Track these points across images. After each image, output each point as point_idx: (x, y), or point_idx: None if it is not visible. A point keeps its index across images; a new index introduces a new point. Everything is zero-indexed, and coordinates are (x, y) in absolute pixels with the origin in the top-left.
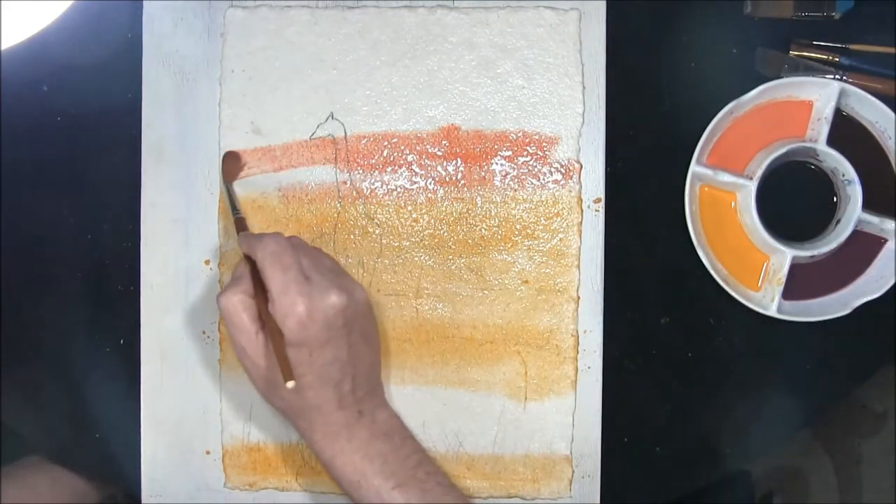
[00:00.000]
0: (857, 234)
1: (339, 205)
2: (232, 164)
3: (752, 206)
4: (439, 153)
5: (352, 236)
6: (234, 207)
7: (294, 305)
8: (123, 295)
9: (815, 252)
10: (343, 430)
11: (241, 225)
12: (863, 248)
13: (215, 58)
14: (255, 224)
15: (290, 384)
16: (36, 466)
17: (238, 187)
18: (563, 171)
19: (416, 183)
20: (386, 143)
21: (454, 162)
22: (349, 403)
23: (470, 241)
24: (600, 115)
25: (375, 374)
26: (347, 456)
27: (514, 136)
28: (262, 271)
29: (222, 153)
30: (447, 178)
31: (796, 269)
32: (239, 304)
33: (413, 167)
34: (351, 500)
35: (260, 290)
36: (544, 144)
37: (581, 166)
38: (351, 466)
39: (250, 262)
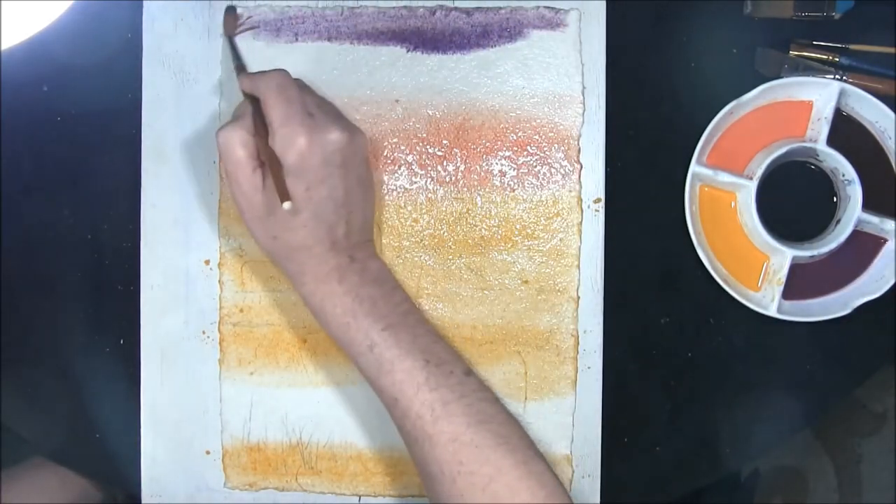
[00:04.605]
0: (857, 234)
1: None
2: (231, 19)
3: (752, 206)
4: (439, 153)
5: None
6: (236, 56)
7: (295, 136)
8: (123, 295)
9: (815, 252)
10: (334, 272)
11: (242, 70)
12: (863, 248)
13: (215, 58)
14: None
15: (287, 205)
16: (45, 467)
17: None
18: (563, 171)
19: (415, 183)
20: (386, 143)
21: (454, 162)
22: (342, 248)
23: (470, 241)
24: (600, 115)
25: (369, 224)
26: (338, 298)
27: (514, 136)
28: (264, 104)
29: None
30: (447, 178)
31: (796, 269)
32: (238, 139)
33: (413, 167)
34: (339, 344)
35: (261, 128)
36: (544, 144)
37: (581, 166)
38: (341, 308)
39: (253, 102)
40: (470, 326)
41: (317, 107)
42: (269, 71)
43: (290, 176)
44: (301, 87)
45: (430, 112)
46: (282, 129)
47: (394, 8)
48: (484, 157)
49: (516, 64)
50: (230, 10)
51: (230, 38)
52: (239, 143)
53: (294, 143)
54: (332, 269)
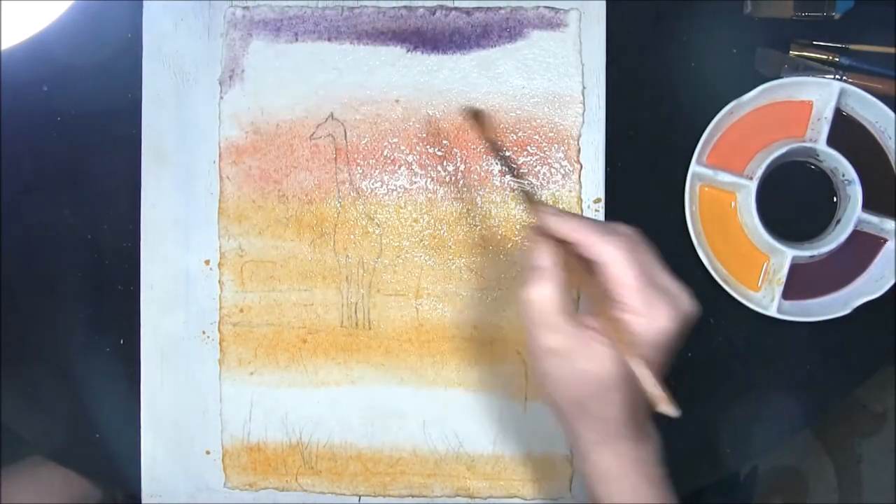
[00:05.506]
0: (857, 234)
1: (339, 205)
2: (483, 120)
3: (752, 206)
4: (439, 153)
5: (352, 236)
6: (512, 170)
7: (659, 320)
8: (123, 295)
9: (815, 252)
10: (632, 446)
11: (534, 199)
12: (863, 248)
13: (215, 58)
14: (255, 224)
15: (676, 413)
16: (45, 465)
17: (236, 187)
18: (563, 171)
19: (416, 183)
20: (386, 143)
21: (454, 162)
22: (641, 419)
23: (470, 241)
24: (600, 115)
25: None
26: (629, 479)
27: (514, 136)
28: (609, 267)
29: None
30: (447, 178)
31: (796, 269)
32: (549, 301)
33: (413, 167)
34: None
35: (576, 279)
36: (544, 144)
37: (581, 166)
38: (629, 490)
39: (552, 241)
40: (470, 326)
41: (660, 272)
42: (612, 225)
43: (647, 351)
44: (643, 241)
45: (430, 112)
46: (644, 309)
47: (394, 8)
48: (484, 157)
49: (516, 64)
50: (476, 114)
51: (495, 143)
52: (553, 307)
53: (658, 327)
54: (631, 441)
